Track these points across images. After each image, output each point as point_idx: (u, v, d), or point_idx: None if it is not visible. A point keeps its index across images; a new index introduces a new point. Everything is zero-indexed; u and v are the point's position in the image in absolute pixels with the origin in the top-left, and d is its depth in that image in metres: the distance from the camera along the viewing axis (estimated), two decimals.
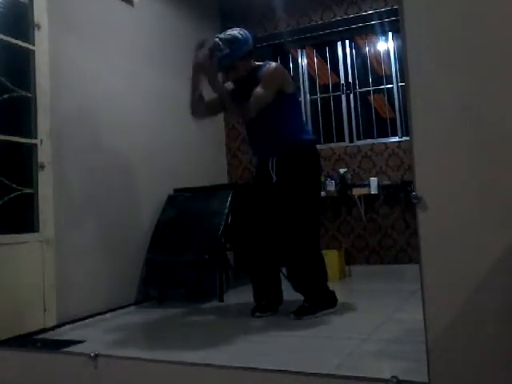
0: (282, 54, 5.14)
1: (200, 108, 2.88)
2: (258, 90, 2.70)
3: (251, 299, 2.99)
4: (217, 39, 2.74)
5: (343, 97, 4.86)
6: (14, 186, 2.89)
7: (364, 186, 4.48)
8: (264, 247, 2.92)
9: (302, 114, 3.04)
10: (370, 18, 4.59)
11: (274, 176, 2.86)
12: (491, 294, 1.34)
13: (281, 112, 2.81)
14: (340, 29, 4.72)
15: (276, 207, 2.86)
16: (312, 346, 2.27)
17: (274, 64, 2.87)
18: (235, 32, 2.78)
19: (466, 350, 1.37)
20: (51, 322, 2.93)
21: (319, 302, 2.82)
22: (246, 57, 2.80)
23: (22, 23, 3.01)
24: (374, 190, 4.43)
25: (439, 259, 1.40)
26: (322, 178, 4.61)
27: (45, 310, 2.91)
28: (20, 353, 2.35)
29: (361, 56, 4.90)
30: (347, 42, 4.87)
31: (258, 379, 1.77)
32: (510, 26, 1.34)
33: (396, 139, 4.60)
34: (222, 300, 3.47)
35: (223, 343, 2.42)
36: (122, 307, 3.43)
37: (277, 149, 2.86)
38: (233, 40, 2.73)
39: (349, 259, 4.50)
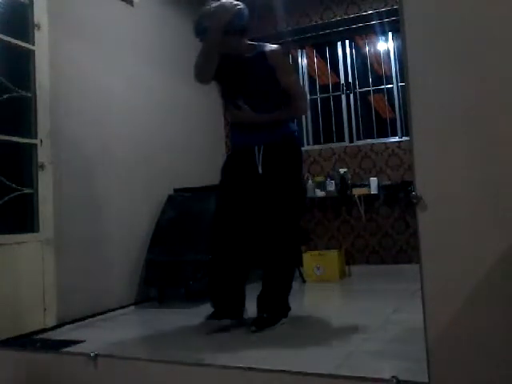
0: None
1: (210, 70, 2.64)
2: (289, 82, 2.68)
3: (251, 299, 2.98)
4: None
5: (343, 97, 4.86)
6: (14, 186, 2.89)
7: (364, 186, 4.48)
8: (237, 249, 2.67)
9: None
10: (370, 18, 4.60)
11: (260, 167, 2.65)
12: (491, 293, 1.34)
13: (275, 97, 2.70)
14: (340, 29, 4.73)
15: (260, 202, 2.68)
16: (312, 346, 2.27)
17: (277, 47, 2.77)
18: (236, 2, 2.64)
19: (466, 349, 1.37)
20: (51, 322, 2.93)
21: (279, 312, 2.68)
22: (241, 33, 2.67)
23: (22, 23, 3.01)
24: (374, 190, 4.44)
25: (439, 259, 1.40)
26: (322, 178, 4.64)
27: (45, 310, 2.91)
28: (20, 353, 2.35)
29: (361, 56, 4.91)
30: (347, 42, 4.87)
31: (258, 379, 1.77)
32: (510, 26, 1.34)
33: (396, 139, 4.60)
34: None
35: (223, 343, 2.42)
36: (122, 307, 3.43)
37: (266, 135, 2.67)
38: (237, 5, 2.61)
39: (349, 259, 4.50)
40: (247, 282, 2.80)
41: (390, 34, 4.70)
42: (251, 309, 2.76)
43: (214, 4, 2.62)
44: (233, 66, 2.72)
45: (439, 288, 1.40)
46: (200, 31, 2.65)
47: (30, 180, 2.97)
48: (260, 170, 2.66)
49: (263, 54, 2.70)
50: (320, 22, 4.80)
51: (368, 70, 4.83)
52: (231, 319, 2.63)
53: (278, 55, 2.72)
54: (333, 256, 4.25)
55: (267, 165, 2.66)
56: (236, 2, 2.63)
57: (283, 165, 2.67)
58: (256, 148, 2.67)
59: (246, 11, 2.67)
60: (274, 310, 2.66)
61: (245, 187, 2.68)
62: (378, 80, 4.82)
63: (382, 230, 4.51)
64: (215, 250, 2.72)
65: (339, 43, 4.90)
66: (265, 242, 2.71)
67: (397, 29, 4.30)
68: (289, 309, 2.74)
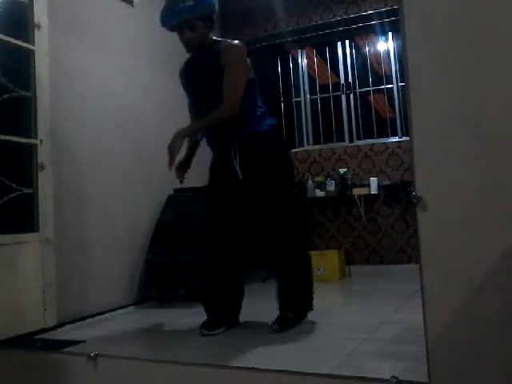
0: (282, 53, 5.14)
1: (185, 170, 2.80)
2: (226, 77, 2.51)
3: (251, 299, 2.98)
4: None
5: (343, 97, 4.86)
6: (14, 186, 2.89)
7: (364, 185, 4.48)
8: (226, 252, 2.63)
9: (258, 101, 2.70)
10: (370, 18, 4.59)
11: (238, 170, 2.57)
12: (491, 293, 1.34)
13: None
14: (340, 29, 4.72)
15: (245, 205, 2.62)
16: (312, 346, 2.27)
17: (236, 42, 2.63)
18: None
19: (466, 350, 1.37)
20: (51, 322, 2.93)
21: (303, 309, 2.64)
22: (208, 21, 2.56)
23: (22, 23, 3.01)
24: (374, 190, 4.44)
25: (439, 259, 1.40)
26: (322, 178, 4.63)
27: (45, 310, 2.91)
28: (20, 353, 2.35)
29: (361, 56, 4.90)
30: (347, 42, 4.87)
31: (258, 379, 1.77)
32: (510, 26, 1.34)
33: (396, 139, 4.60)
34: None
35: (223, 343, 2.42)
36: (122, 307, 3.43)
37: (237, 134, 2.58)
38: None
39: (349, 259, 4.50)
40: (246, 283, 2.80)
41: (390, 33, 4.70)
42: (251, 311, 2.76)
43: None
44: (195, 70, 2.68)
45: (439, 288, 1.40)
46: (165, 20, 2.57)
47: (30, 180, 2.97)
48: (240, 175, 2.59)
49: (218, 52, 2.58)
50: (320, 22, 4.80)
51: (368, 70, 4.83)
52: (226, 326, 2.59)
53: (229, 52, 2.56)
54: (333, 256, 4.26)
55: (245, 166, 2.59)
56: None
57: (255, 163, 2.58)
58: (232, 148, 2.60)
59: (216, 2, 2.58)
60: (298, 309, 2.62)
61: (226, 189, 2.66)
62: (378, 80, 4.82)
63: (382, 230, 4.51)
64: (208, 255, 2.70)
65: (339, 43, 4.90)
66: (267, 242, 2.67)
67: (397, 29, 4.30)
68: (310, 307, 2.68)
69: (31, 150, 2.99)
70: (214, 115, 2.53)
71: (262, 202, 2.60)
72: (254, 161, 2.58)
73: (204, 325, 2.56)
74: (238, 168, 2.58)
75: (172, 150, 2.56)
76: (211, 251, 2.67)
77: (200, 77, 2.65)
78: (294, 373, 1.71)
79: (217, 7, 2.61)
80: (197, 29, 2.53)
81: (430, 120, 1.42)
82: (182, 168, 2.81)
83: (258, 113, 2.64)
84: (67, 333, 2.85)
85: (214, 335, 2.51)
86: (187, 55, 2.75)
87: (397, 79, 4.67)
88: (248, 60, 2.63)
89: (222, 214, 2.66)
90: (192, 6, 2.49)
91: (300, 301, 2.65)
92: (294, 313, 2.59)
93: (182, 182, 2.80)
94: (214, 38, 2.66)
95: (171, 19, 2.55)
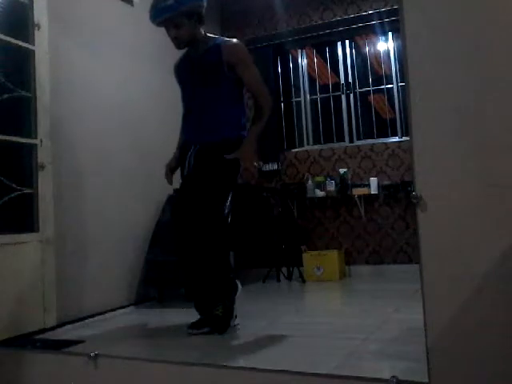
0: (282, 54, 5.14)
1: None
2: (247, 75, 2.53)
3: (251, 299, 2.98)
4: None
5: (343, 97, 4.86)
6: (14, 186, 2.89)
7: (364, 186, 4.48)
8: (188, 251, 2.59)
9: (243, 105, 2.70)
10: (370, 17, 4.60)
11: (186, 167, 2.60)
12: (491, 293, 1.34)
13: (222, 94, 2.56)
14: (340, 29, 4.73)
15: (190, 201, 2.59)
16: (312, 346, 2.27)
17: (235, 40, 2.62)
18: None
19: (466, 350, 1.37)
20: (51, 322, 2.93)
21: (224, 294, 2.57)
22: (193, 17, 2.52)
23: (22, 23, 3.01)
24: (374, 190, 4.44)
25: (439, 259, 1.40)
26: (322, 178, 4.64)
27: (45, 310, 2.91)
28: (20, 353, 2.35)
29: (361, 56, 4.91)
30: (347, 42, 4.87)
31: (258, 379, 1.77)
32: (510, 26, 1.34)
33: (396, 139, 4.60)
34: (218, 298, 3.46)
35: (223, 343, 2.42)
36: (122, 307, 3.43)
37: (203, 134, 2.59)
38: None
39: (349, 259, 4.51)
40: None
41: (390, 33, 4.70)
42: (251, 311, 2.76)
43: None
44: (188, 65, 2.67)
45: (439, 288, 1.40)
46: (151, 17, 2.55)
47: (30, 180, 2.97)
48: (186, 170, 2.61)
49: (218, 48, 2.56)
50: (320, 22, 4.80)
51: (368, 70, 4.83)
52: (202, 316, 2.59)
53: (238, 49, 2.57)
54: (333, 256, 4.26)
55: (195, 165, 2.58)
56: None
57: (206, 166, 2.56)
58: (192, 146, 2.60)
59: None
60: (220, 298, 2.56)
61: (182, 187, 2.67)
62: (378, 80, 4.82)
63: (382, 230, 4.50)
64: (178, 251, 2.73)
65: (339, 43, 4.90)
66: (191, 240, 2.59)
67: (397, 29, 4.30)
68: (234, 284, 2.63)
69: (31, 149, 2.99)
70: (263, 115, 2.54)
71: (197, 199, 2.56)
72: (201, 164, 2.57)
73: (192, 325, 2.59)
74: (186, 164, 2.61)
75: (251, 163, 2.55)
76: (179, 246, 2.68)
77: (194, 71, 2.63)
78: (293, 373, 1.71)
79: (204, 2, 2.57)
80: (182, 26, 2.52)
81: (430, 120, 1.42)
82: (172, 170, 2.80)
83: (235, 118, 2.62)
84: (67, 333, 2.85)
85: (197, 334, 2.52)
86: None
87: (397, 79, 4.67)
88: None
89: (178, 210, 2.67)
90: (172, 5, 2.46)
91: (220, 291, 2.58)
92: (222, 304, 2.54)
93: (171, 183, 2.80)
94: (208, 34, 2.65)
95: (155, 17, 2.54)
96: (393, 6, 4.41)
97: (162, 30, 2.62)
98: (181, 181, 2.72)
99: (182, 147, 2.73)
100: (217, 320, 2.54)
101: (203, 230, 2.52)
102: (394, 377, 1.51)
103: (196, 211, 2.53)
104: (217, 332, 2.52)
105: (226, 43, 2.58)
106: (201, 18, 2.59)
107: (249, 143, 2.55)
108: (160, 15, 2.51)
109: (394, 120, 4.70)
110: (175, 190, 4.05)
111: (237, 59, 2.54)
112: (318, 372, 1.72)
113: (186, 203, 2.60)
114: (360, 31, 4.75)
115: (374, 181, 4.45)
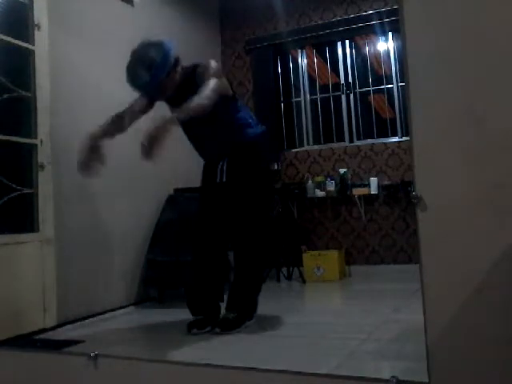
0: (282, 54, 5.14)
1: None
2: (207, 79, 2.45)
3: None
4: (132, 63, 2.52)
5: (343, 97, 4.86)
6: (14, 186, 2.89)
7: (364, 186, 4.48)
8: (210, 254, 2.72)
9: (243, 106, 2.82)
10: (370, 17, 4.60)
11: (218, 175, 2.70)
12: (491, 293, 1.34)
13: (220, 111, 2.54)
14: (340, 29, 4.73)
15: (224, 208, 2.72)
16: (312, 346, 2.27)
17: (207, 61, 2.60)
18: (152, 53, 2.50)
19: (466, 350, 1.37)
20: (51, 322, 2.93)
21: (246, 312, 2.68)
22: (173, 69, 2.52)
23: (22, 23, 3.01)
24: (374, 190, 4.44)
25: (439, 259, 1.40)
26: (322, 178, 4.64)
27: (45, 310, 2.91)
28: (20, 353, 2.34)
29: (361, 56, 4.91)
30: (347, 42, 4.87)
31: (258, 379, 1.77)
32: (510, 26, 1.34)
33: (396, 139, 4.60)
34: (221, 300, 3.47)
35: (223, 343, 2.42)
36: (122, 307, 3.43)
37: (224, 152, 2.71)
38: (150, 65, 2.45)
39: (349, 259, 4.51)
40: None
41: (390, 33, 4.70)
42: None
43: (134, 58, 2.56)
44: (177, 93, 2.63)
45: (439, 288, 1.40)
46: (138, 89, 2.58)
47: (30, 180, 2.97)
48: (218, 178, 2.71)
49: (193, 72, 2.58)
50: (320, 22, 4.81)
51: (368, 70, 4.83)
52: (211, 325, 2.62)
53: (208, 64, 2.55)
54: (333, 256, 4.26)
55: (228, 173, 2.69)
56: (150, 56, 2.50)
57: (241, 171, 2.68)
58: (220, 162, 2.71)
59: (169, 45, 2.53)
60: (241, 310, 2.66)
61: (211, 194, 2.78)
62: (378, 80, 4.83)
63: (382, 230, 4.50)
64: (196, 254, 2.78)
65: (339, 43, 4.90)
66: (234, 243, 2.76)
67: (397, 29, 4.30)
68: (254, 310, 2.73)
69: (31, 149, 2.99)
70: (189, 107, 2.39)
71: (235, 206, 2.69)
72: (234, 167, 2.68)
73: (193, 324, 2.62)
74: (218, 172, 2.71)
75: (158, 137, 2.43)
76: (198, 249, 2.76)
77: (179, 97, 2.54)
78: (294, 373, 1.71)
79: (172, 51, 2.52)
80: (165, 85, 2.53)
81: (430, 120, 1.42)
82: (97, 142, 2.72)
83: (241, 122, 2.71)
84: (67, 333, 2.85)
85: (202, 333, 2.56)
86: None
87: (397, 79, 4.67)
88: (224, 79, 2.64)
89: (208, 216, 2.77)
90: (151, 81, 2.45)
91: (245, 305, 2.70)
92: (238, 314, 2.63)
93: (87, 169, 2.70)
94: (185, 65, 2.62)
95: (137, 89, 2.58)
96: (393, 5, 4.41)
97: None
98: (203, 186, 2.89)
99: (204, 165, 2.88)
100: (227, 322, 2.60)
101: (254, 234, 2.67)
102: (393, 377, 1.51)
103: (240, 217, 2.67)
104: (226, 331, 2.55)
105: (198, 65, 2.58)
106: (178, 60, 2.56)
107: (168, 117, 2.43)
108: (143, 91, 2.57)
109: (394, 120, 4.70)
110: (175, 190, 4.06)
111: (204, 69, 2.53)
112: (317, 372, 1.72)
113: (220, 210, 2.72)
114: (360, 31, 4.74)
115: (373, 181, 4.45)
